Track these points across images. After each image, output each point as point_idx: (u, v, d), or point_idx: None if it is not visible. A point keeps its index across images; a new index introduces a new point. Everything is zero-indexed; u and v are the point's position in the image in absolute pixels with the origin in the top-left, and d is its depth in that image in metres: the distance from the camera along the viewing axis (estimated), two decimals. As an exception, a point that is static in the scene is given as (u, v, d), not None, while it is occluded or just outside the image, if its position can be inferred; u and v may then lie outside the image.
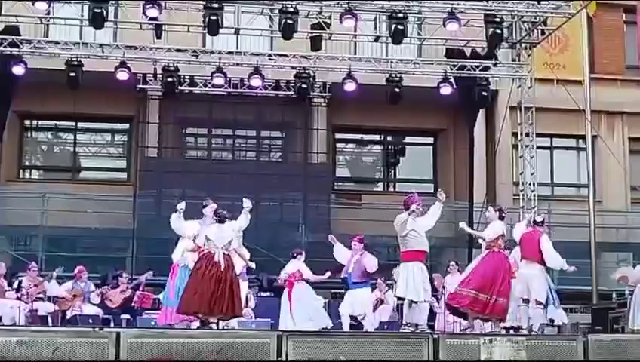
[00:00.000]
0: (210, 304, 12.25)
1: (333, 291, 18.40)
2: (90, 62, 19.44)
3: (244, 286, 14.28)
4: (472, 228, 19.57)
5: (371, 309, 15.83)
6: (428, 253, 13.61)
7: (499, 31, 18.62)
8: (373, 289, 17.04)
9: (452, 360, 10.52)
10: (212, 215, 13.10)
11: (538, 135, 20.87)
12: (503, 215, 13.64)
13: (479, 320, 13.70)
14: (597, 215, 20.85)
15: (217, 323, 12.43)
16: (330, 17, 19.21)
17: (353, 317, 15.39)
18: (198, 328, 12.36)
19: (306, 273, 15.69)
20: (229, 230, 12.79)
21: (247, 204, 13.23)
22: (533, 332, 13.11)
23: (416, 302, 13.30)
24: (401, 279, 13.33)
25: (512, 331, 12.97)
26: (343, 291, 17.23)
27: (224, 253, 12.55)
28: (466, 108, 21.40)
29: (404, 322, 13.40)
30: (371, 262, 15.09)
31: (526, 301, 13.46)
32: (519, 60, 20.72)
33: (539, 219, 14.38)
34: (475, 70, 20.21)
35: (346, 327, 15.16)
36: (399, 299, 13.80)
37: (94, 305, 16.81)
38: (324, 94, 22.54)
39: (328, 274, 15.81)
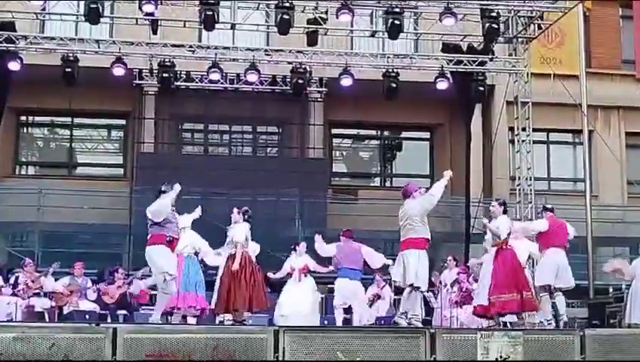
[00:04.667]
0: (256, 303, 13.06)
1: (330, 286, 18.40)
2: (86, 57, 19.41)
3: None
4: (470, 222, 19.72)
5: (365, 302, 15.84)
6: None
7: (495, 26, 18.59)
8: (370, 285, 17.10)
9: (449, 355, 10.51)
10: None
11: (535, 130, 20.89)
12: (507, 209, 13.68)
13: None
14: (593, 209, 20.89)
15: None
16: (326, 12, 19.17)
17: (346, 309, 15.42)
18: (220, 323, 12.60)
19: (311, 265, 15.71)
20: None
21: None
22: (564, 320, 13.22)
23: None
24: (420, 266, 13.04)
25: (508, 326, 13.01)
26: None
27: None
28: (462, 103, 21.38)
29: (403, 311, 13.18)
30: (376, 258, 15.08)
31: (544, 289, 13.54)
32: (516, 55, 20.70)
33: (549, 206, 14.39)
34: (471, 65, 20.19)
35: (339, 321, 15.14)
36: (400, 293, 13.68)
37: (91, 300, 16.80)
38: (320, 89, 22.53)
39: (331, 268, 15.76)
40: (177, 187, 12.65)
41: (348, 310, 15.57)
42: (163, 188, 12.81)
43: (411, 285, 12.70)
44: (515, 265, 13.14)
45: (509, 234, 13.34)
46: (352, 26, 20.16)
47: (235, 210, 13.49)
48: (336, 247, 15.24)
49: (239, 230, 13.18)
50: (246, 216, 13.30)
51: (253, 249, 13.92)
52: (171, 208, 12.66)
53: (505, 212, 13.59)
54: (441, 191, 12.79)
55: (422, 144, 25.30)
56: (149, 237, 12.62)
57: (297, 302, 15.40)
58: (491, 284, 13.01)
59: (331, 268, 15.79)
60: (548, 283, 13.55)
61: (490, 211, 13.94)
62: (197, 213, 14.18)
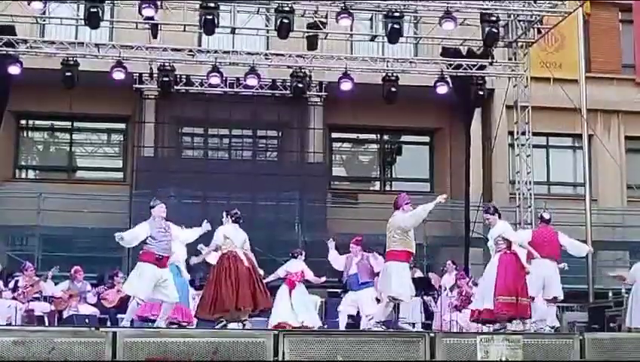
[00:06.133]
0: (243, 301, 12.65)
1: (329, 291, 18.41)
2: (86, 61, 19.43)
3: None
4: (470, 226, 19.71)
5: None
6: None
7: (495, 30, 18.62)
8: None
9: (449, 358, 10.51)
10: (161, 215, 12.83)
11: (534, 134, 20.92)
12: (500, 213, 13.67)
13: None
14: (593, 213, 20.89)
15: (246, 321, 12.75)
16: (326, 16, 19.19)
17: (351, 316, 15.45)
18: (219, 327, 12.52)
19: (308, 274, 15.71)
20: (241, 230, 12.93)
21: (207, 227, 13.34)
22: (549, 330, 13.19)
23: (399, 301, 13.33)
24: (398, 278, 13.21)
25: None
26: (339, 291, 17.24)
27: (244, 252, 12.73)
28: (462, 107, 21.39)
29: (402, 317, 13.32)
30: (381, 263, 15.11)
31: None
32: (515, 59, 20.72)
33: (547, 216, 14.36)
34: (471, 69, 20.21)
35: (342, 326, 15.17)
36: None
37: (91, 304, 16.80)
38: (320, 93, 22.52)
39: (324, 278, 15.86)
40: (157, 209, 12.70)
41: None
42: (151, 204, 12.93)
43: (391, 297, 12.89)
44: (518, 270, 13.09)
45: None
46: (351, 30, 20.18)
47: (224, 213, 13.44)
48: (346, 258, 15.26)
49: (216, 232, 13.12)
50: (234, 218, 13.17)
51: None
52: (160, 228, 12.67)
53: (499, 217, 13.61)
54: (427, 212, 12.83)
55: (421, 148, 25.30)
56: (140, 251, 12.72)
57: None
58: (495, 287, 13.00)
59: (322, 279, 15.85)
60: (532, 295, 13.51)
61: (486, 223, 13.91)
62: (204, 228, 13.55)
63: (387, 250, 12.96)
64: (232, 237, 12.89)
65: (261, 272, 13.71)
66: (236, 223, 13.09)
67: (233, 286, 12.68)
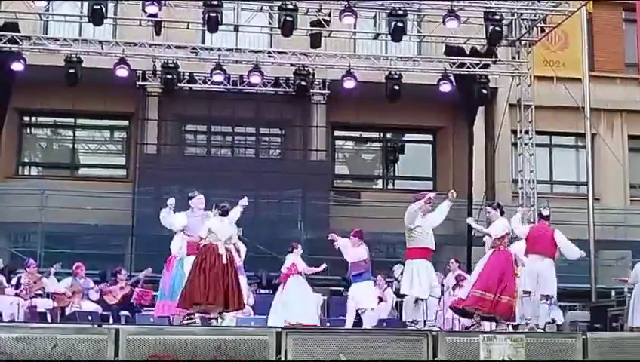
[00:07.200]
0: (213, 296, 12.40)
1: (332, 288, 18.40)
2: (89, 58, 19.44)
3: (242, 280, 14.32)
4: (473, 227, 19.66)
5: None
6: (433, 251, 13.66)
7: (498, 28, 18.64)
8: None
9: (451, 357, 10.51)
10: (199, 206, 13.39)
11: (537, 133, 20.90)
12: (503, 211, 13.66)
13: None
14: (596, 213, 20.87)
15: (217, 318, 12.54)
16: (329, 15, 19.20)
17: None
18: (201, 323, 12.43)
19: (301, 266, 15.70)
20: (230, 224, 12.93)
21: (244, 202, 13.33)
22: (539, 329, 13.15)
23: (422, 300, 13.33)
24: (406, 276, 13.35)
25: (511, 328, 12.99)
26: (341, 288, 17.27)
27: (226, 247, 12.67)
28: (465, 106, 21.38)
29: (409, 320, 13.38)
30: (355, 254, 15.03)
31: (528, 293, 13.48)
32: (519, 58, 20.73)
33: (546, 213, 14.30)
34: (474, 68, 20.20)
35: (349, 324, 15.10)
36: (401, 296, 13.83)
37: (93, 301, 16.81)
38: (323, 91, 22.52)
39: (324, 266, 15.83)
40: (195, 201, 13.43)
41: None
42: (190, 195, 13.57)
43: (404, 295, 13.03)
44: (504, 269, 13.07)
45: (506, 234, 13.34)
46: (355, 28, 20.17)
47: (213, 206, 13.47)
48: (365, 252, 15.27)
49: (202, 225, 13.15)
50: (220, 212, 13.06)
51: (239, 248, 13.94)
52: (199, 218, 13.07)
53: (502, 214, 13.60)
54: (414, 210, 13.19)
55: (424, 146, 25.28)
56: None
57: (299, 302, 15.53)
58: (476, 281, 13.07)
59: (322, 267, 15.83)
60: (526, 290, 13.47)
61: (487, 218, 13.94)
62: (242, 203, 13.52)
63: (409, 246, 13.27)
64: (216, 231, 12.80)
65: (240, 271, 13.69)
66: (223, 216, 13.01)
67: (206, 281, 12.49)
